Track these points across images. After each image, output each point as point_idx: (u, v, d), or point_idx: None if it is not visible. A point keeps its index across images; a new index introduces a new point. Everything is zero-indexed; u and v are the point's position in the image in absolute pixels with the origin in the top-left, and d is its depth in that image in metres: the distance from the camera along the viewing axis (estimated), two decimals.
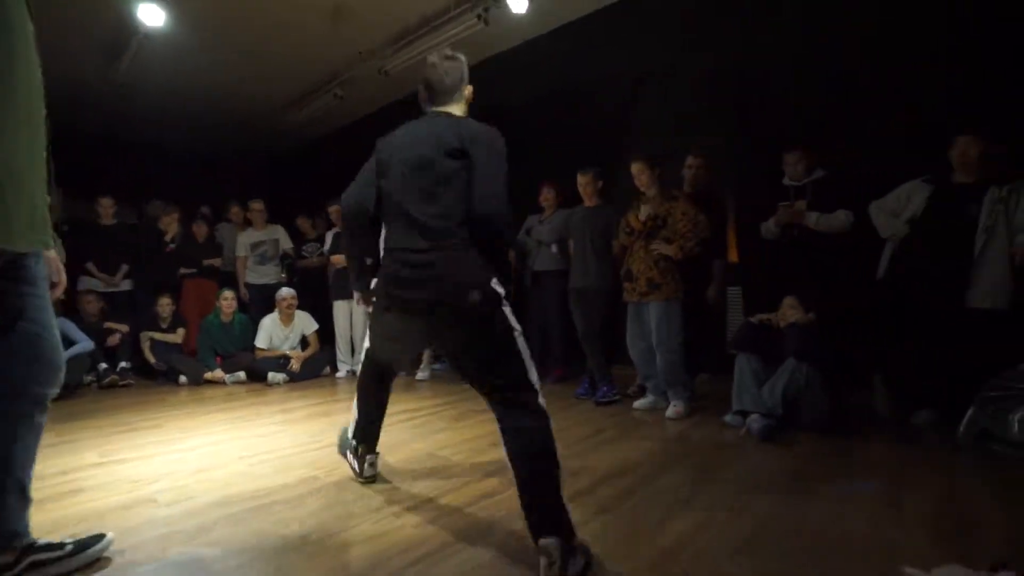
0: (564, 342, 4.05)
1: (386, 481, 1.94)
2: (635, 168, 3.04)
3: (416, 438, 2.52)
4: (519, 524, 1.38)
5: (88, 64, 5.17)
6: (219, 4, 4.27)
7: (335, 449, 2.10)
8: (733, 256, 3.75)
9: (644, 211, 3.02)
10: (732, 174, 3.82)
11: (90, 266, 4.66)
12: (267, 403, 3.41)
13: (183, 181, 7.04)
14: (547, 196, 4.05)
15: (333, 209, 4.70)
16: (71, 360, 3.72)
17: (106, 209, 4.87)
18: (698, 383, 3.41)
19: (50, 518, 1.61)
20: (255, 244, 5.06)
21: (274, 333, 4.42)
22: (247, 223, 5.28)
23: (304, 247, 5.18)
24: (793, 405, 2.52)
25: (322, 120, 6.61)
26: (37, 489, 1.94)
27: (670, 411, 2.91)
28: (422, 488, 1.86)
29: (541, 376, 1.50)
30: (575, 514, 1.34)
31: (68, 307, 4.37)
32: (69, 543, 1.32)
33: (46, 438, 2.73)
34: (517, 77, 5.01)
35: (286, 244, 5.14)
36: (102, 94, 5.80)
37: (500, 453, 1.39)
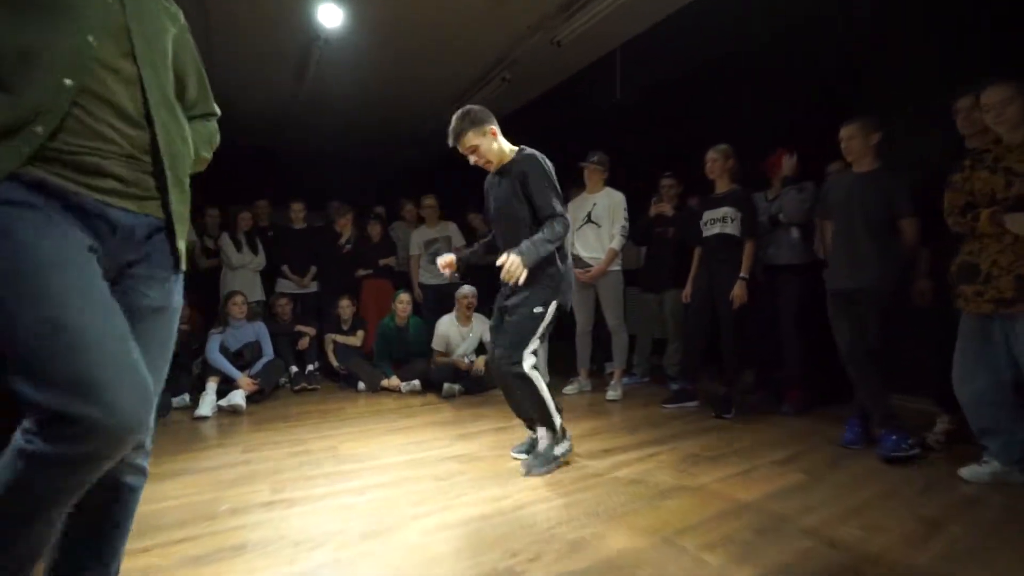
0: (803, 359, 3.03)
1: None
2: (993, 96, 1.87)
3: (637, 506, 1.80)
4: None
5: (280, 86, 5.53)
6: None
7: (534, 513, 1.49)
8: None
9: (1010, 164, 1.87)
10: None
11: (284, 268, 4.88)
12: (443, 423, 3.02)
13: (361, 183, 7.37)
14: (788, 165, 3.01)
15: None
16: (268, 364, 3.84)
17: (297, 213, 5.06)
18: None
19: None
20: (428, 242, 4.84)
21: (451, 335, 4.08)
22: (420, 221, 5.13)
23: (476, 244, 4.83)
24: None
25: (490, 109, 6.34)
26: (208, 534, 1.60)
27: None
28: None
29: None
30: None
31: (269, 311, 4.60)
32: None
33: (231, 454, 2.69)
34: (719, 25, 3.99)
35: (459, 241, 4.85)
36: (293, 111, 6.21)
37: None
